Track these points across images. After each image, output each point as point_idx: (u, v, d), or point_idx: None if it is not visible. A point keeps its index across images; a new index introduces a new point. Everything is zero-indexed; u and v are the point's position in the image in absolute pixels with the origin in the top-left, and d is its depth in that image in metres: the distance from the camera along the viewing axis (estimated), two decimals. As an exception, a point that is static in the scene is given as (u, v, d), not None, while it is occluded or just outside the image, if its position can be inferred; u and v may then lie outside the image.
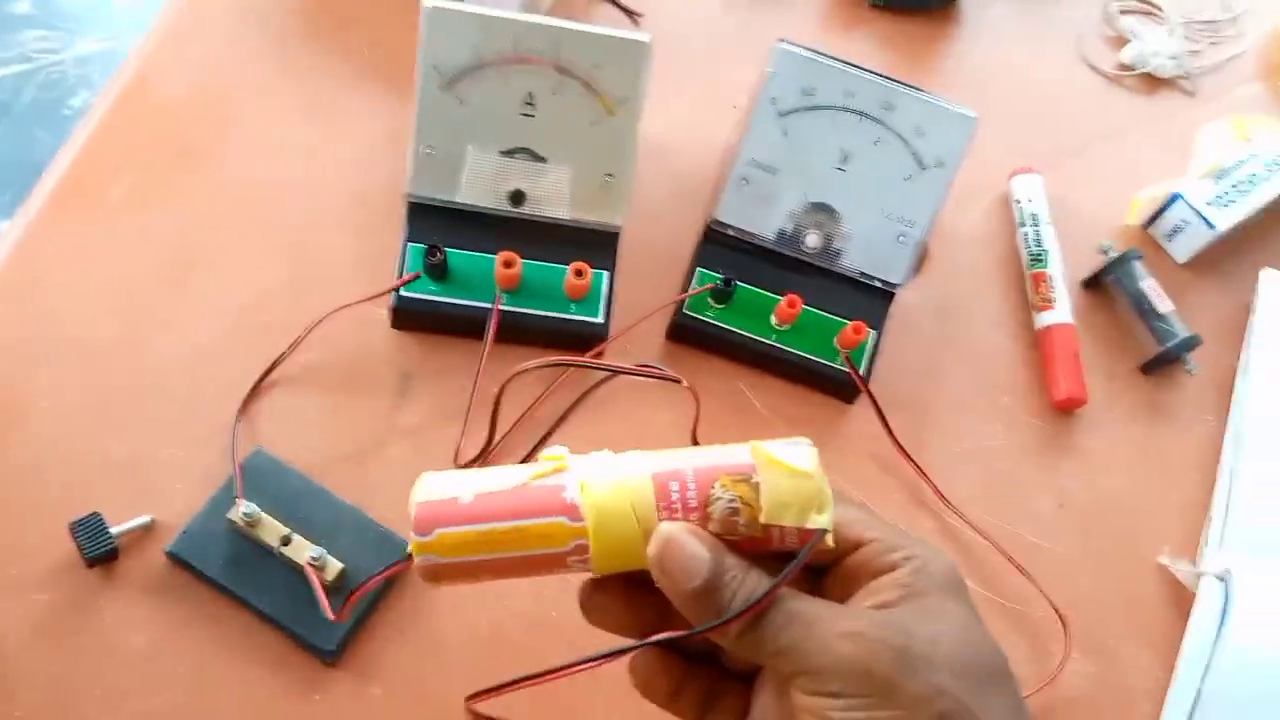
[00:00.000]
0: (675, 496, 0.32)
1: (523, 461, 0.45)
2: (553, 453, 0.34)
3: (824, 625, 0.31)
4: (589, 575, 0.34)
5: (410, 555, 0.33)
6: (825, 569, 0.35)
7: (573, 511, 0.32)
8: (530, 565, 0.32)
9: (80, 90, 1.73)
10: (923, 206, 0.56)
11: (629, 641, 0.34)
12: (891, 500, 0.56)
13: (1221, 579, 0.54)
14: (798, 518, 0.31)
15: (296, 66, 0.63)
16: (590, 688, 0.47)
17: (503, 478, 0.33)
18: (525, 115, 0.54)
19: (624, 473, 0.33)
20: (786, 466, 0.32)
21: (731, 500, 0.32)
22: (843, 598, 0.33)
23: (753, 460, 0.32)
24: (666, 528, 0.32)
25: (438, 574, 0.33)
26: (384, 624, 0.49)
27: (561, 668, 0.33)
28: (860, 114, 0.55)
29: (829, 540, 0.32)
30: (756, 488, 0.32)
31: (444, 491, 0.33)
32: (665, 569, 0.32)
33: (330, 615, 0.43)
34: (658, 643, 0.33)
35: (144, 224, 0.56)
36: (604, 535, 0.32)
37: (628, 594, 0.34)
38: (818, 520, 0.31)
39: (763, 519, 0.31)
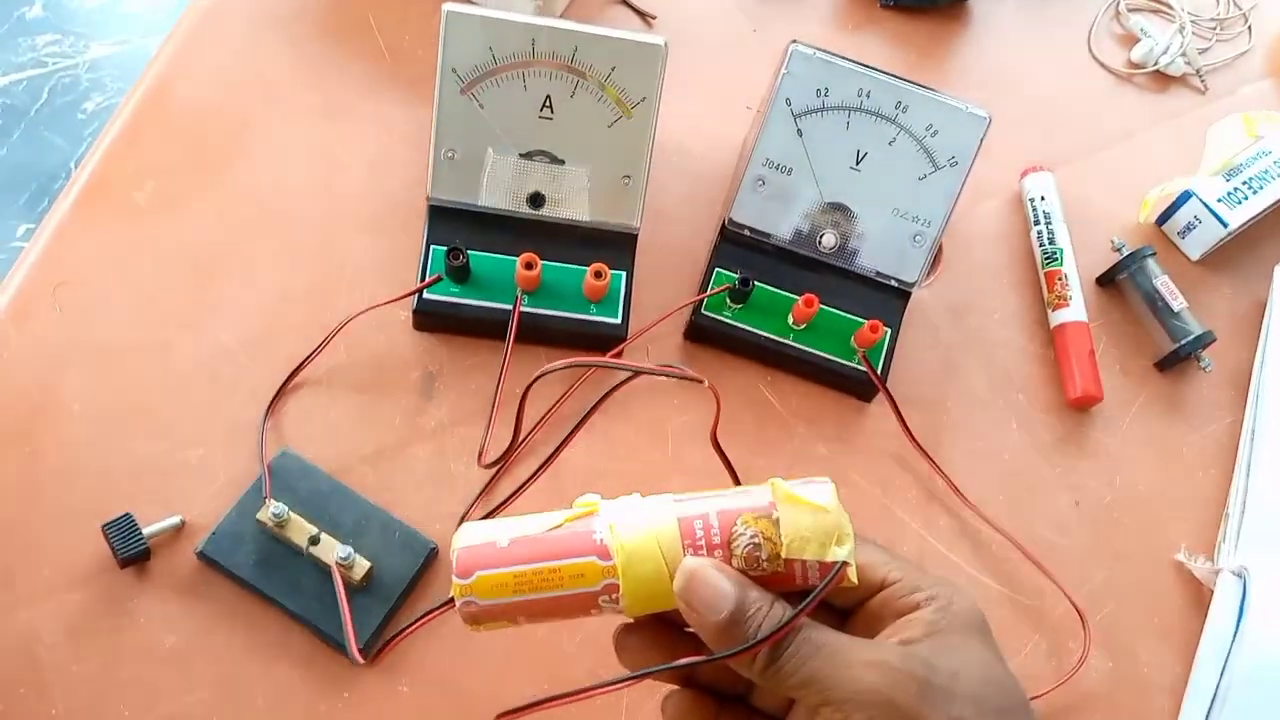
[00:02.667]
0: (700, 535, 0.33)
1: (543, 466, 0.46)
2: (586, 499, 0.35)
3: (848, 656, 0.32)
4: (622, 618, 0.35)
5: (452, 599, 0.34)
6: (851, 610, 0.36)
7: (603, 552, 0.33)
8: (565, 606, 0.34)
9: (94, 94, 1.74)
10: (937, 206, 0.56)
11: (658, 664, 0.35)
12: (908, 497, 0.56)
13: (1239, 575, 0.54)
14: (818, 551, 0.33)
15: (316, 70, 0.64)
16: (616, 709, 0.48)
17: (537, 523, 0.35)
18: (543, 118, 0.55)
19: (650, 514, 0.34)
20: (806, 502, 0.33)
21: (753, 536, 0.33)
22: (869, 636, 0.34)
23: (773, 498, 0.34)
24: (691, 562, 0.33)
25: (478, 617, 0.34)
26: (408, 622, 0.49)
27: (590, 688, 0.34)
28: (874, 114, 0.55)
29: (852, 575, 0.33)
30: (777, 523, 0.33)
31: (482, 537, 0.35)
32: (691, 602, 0.33)
33: (355, 649, 0.45)
34: (684, 666, 0.34)
35: (169, 228, 0.57)
36: (633, 574, 0.33)
37: (660, 636, 0.35)
38: (838, 553, 0.33)
39: (784, 553, 0.33)
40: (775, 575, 0.33)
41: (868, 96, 0.55)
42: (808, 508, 0.33)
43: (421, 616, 0.45)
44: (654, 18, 0.70)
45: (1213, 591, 0.55)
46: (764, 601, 0.33)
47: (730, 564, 0.33)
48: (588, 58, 0.53)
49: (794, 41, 0.56)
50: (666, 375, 0.42)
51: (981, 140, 0.55)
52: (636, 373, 0.42)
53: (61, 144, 1.68)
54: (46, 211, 0.58)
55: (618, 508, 0.35)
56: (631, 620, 0.35)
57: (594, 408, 0.43)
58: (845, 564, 0.33)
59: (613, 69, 0.54)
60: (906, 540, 0.55)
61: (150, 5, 1.84)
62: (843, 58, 0.56)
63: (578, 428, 0.44)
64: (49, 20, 1.80)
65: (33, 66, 1.75)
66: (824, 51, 0.56)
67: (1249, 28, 0.79)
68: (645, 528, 0.34)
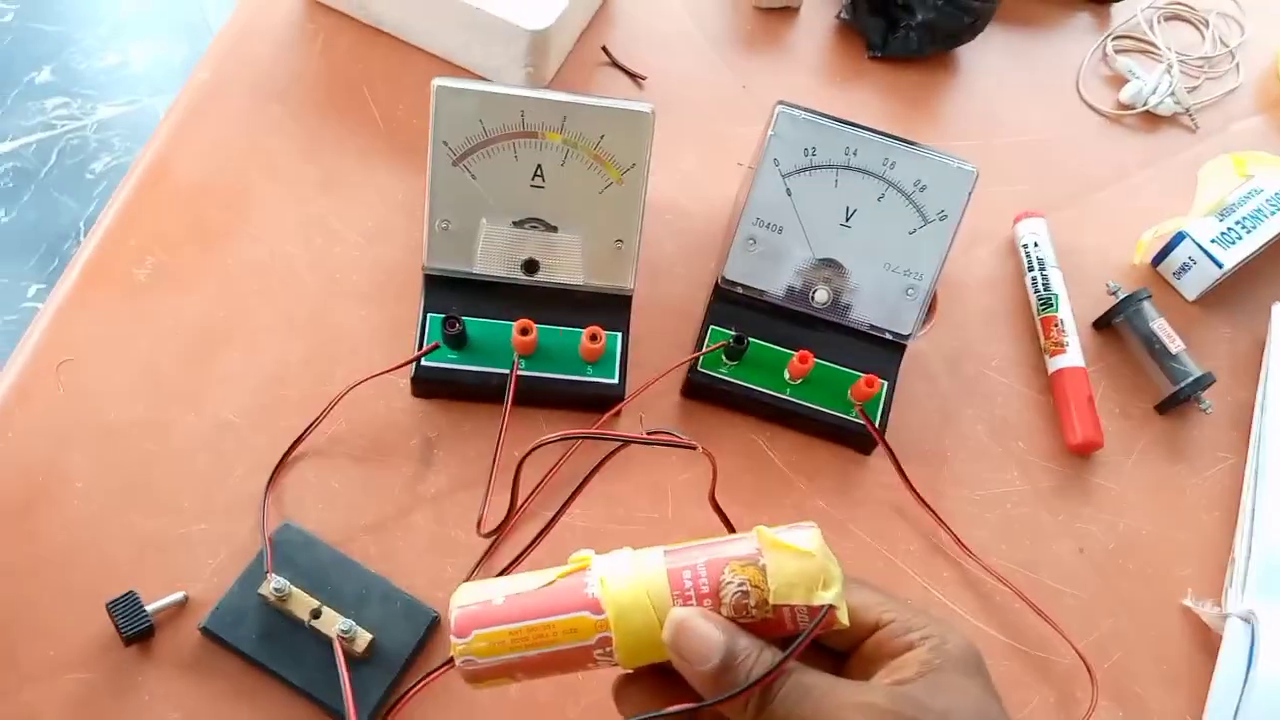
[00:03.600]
0: (689, 585, 0.34)
1: (541, 534, 0.46)
2: (578, 555, 0.36)
3: (837, 698, 0.32)
4: (619, 670, 0.35)
5: (452, 659, 0.35)
6: (848, 652, 0.36)
7: (594, 605, 0.34)
8: (561, 661, 0.34)
9: (102, 154, 1.77)
10: (929, 259, 0.57)
11: (653, 711, 0.35)
12: (911, 550, 0.56)
13: (1247, 620, 0.54)
14: (805, 596, 0.33)
15: (312, 142, 0.65)
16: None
17: (532, 580, 0.35)
18: (535, 187, 0.55)
19: (640, 566, 0.35)
20: (790, 548, 0.34)
21: (741, 584, 0.33)
22: (865, 678, 0.34)
23: (759, 545, 0.34)
24: (679, 613, 0.33)
25: (479, 675, 0.35)
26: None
27: None
28: (862, 171, 0.56)
29: (842, 618, 0.33)
30: (764, 570, 0.34)
31: (479, 596, 0.35)
32: (681, 652, 0.33)
33: (352, 711, 0.45)
34: (676, 713, 0.34)
35: (169, 304, 0.58)
36: (624, 626, 0.34)
37: (659, 686, 0.35)
38: (824, 597, 0.33)
39: (771, 600, 0.33)
40: (765, 622, 0.34)
41: (855, 154, 0.56)
42: (793, 553, 0.34)
43: (420, 680, 0.45)
44: (644, 78, 0.71)
45: (1221, 637, 0.55)
46: (754, 648, 0.33)
47: (720, 612, 0.34)
48: (576, 127, 0.54)
49: (780, 103, 0.57)
50: (659, 444, 0.42)
51: (970, 194, 0.56)
52: (628, 443, 0.42)
53: (71, 205, 1.71)
54: (58, 272, 0.59)
55: (608, 562, 0.35)
56: (630, 671, 0.36)
57: (587, 478, 0.44)
58: (832, 607, 0.33)
59: (602, 137, 0.54)
60: (910, 593, 0.55)
61: (157, 66, 1.88)
62: (829, 117, 0.56)
63: (573, 496, 0.45)
64: (57, 84, 1.83)
65: (42, 130, 1.78)
66: (810, 111, 0.56)
67: (1236, 65, 0.79)
68: (635, 580, 0.34)
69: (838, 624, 0.34)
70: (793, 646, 0.33)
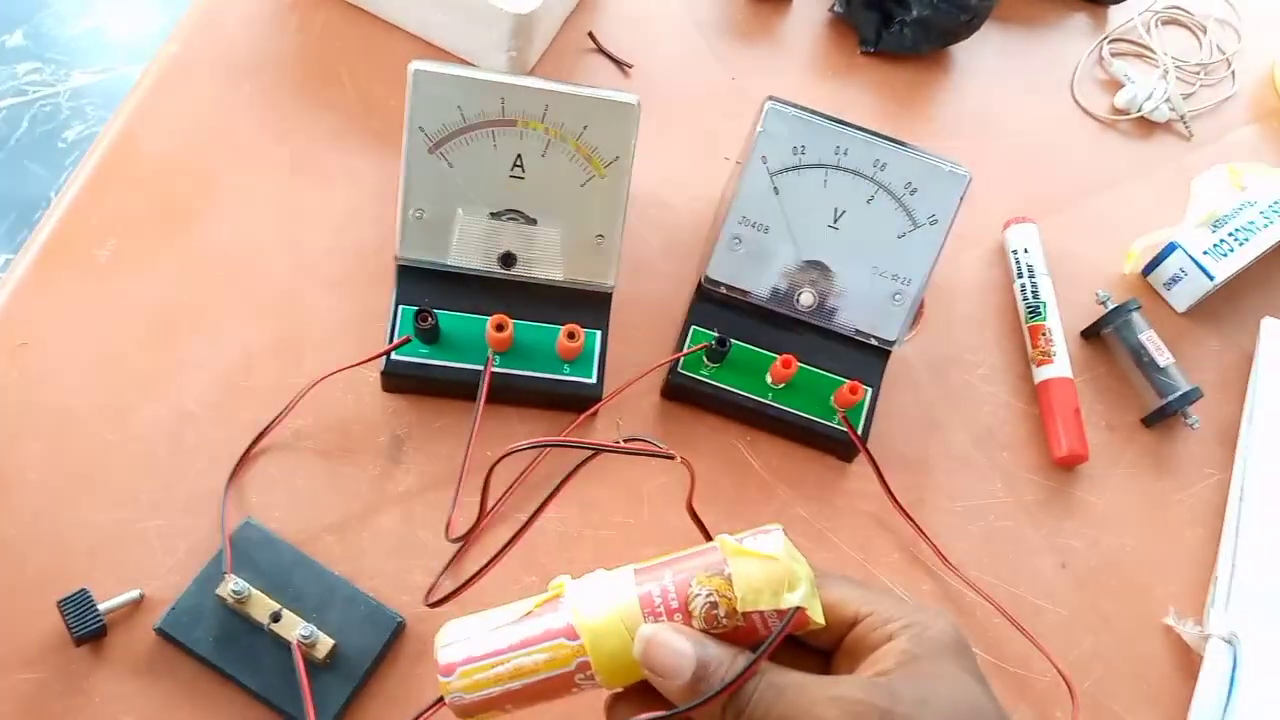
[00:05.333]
0: (659, 602, 0.34)
1: (511, 541, 0.44)
2: (555, 582, 0.36)
3: (810, 694, 0.32)
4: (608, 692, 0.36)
5: (441, 698, 0.36)
6: (832, 649, 0.36)
7: (570, 632, 0.34)
8: (547, 690, 0.35)
9: (74, 123, 1.73)
10: (917, 264, 0.55)
11: None
12: (890, 560, 0.55)
13: (1229, 641, 0.53)
14: (772, 601, 0.33)
15: (284, 122, 0.62)
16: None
17: (510, 612, 0.36)
18: (515, 177, 0.54)
19: (611, 588, 0.35)
20: (753, 554, 0.34)
21: (709, 595, 0.34)
22: (849, 672, 0.34)
23: (723, 554, 0.34)
24: (647, 629, 0.34)
25: (469, 710, 0.36)
26: (377, 698, 0.48)
27: None
28: (852, 172, 0.54)
29: (816, 617, 0.34)
30: (730, 579, 0.34)
31: (461, 634, 0.36)
32: (653, 667, 0.33)
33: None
34: None
35: (131, 287, 0.56)
36: (600, 649, 0.34)
37: (646, 701, 0.35)
38: (790, 599, 0.33)
39: (740, 607, 0.33)
40: (738, 630, 0.34)
41: (845, 154, 0.54)
42: (756, 559, 0.34)
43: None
44: (631, 66, 0.69)
45: (1202, 657, 0.54)
46: (725, 656, 0.33)
47: (692, 625, 0.34)
48: (559, 117, 0.52)
49: (770, 98, 0.55)
50: (635, 453, 0.41)
51: (962, 198, 0.54)
52: (600, 451, 0.41)
53: (42, 173, 1.67)
54: (26, 241, 0.57)
55: (581, 588, 0.36)
56: (620, 690, 0.36)
57: (560, 485, 0.42)
58: (800, 608, 0.33)
59: (584, 128, 0.53)
60: (888, 606, 0.54)
61: (132, 33, 1.83)
62: (820, 114, 0.55)
63: (545, 504, 0.43)
64: (30, 49, 1.78)
65: (13, 95, 1.74)
66: (800, 108, 0.55)
67: (1232, 73, 0.78)
68: (607, 603, 0.35)
69: (810, 624, 0.34)
70: (760, 651, 0.33)
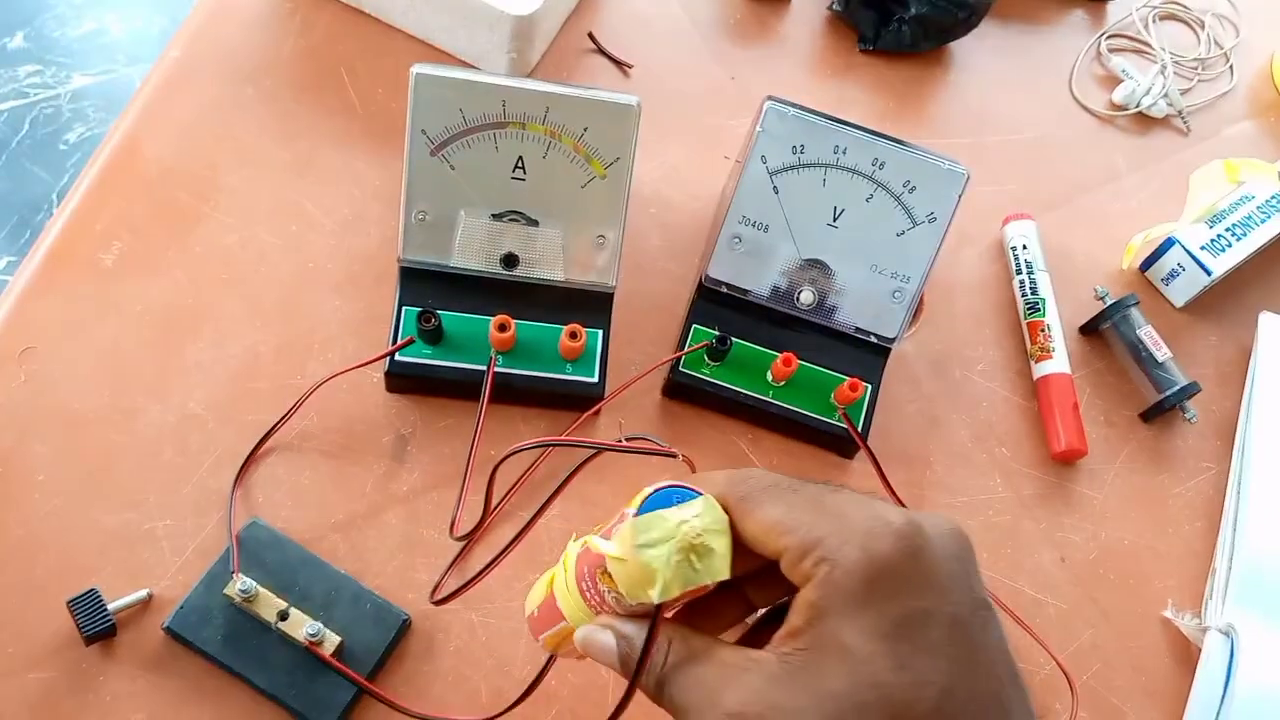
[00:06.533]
0: (590, 595, 0.35)
1: (514, 541, 0.45)
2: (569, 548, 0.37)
3: (717, 696, 0.31)
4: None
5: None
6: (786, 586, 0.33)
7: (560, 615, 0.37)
8: None
9: (76, 124, 1.73)
10: (917, 261, 0.56)
11: None
12: (891, 556, 0.55)
13: (1226, 634, 0.53)
14: (641, 594, 0.32)
15: (287, 125, 0.63)
16: None
17: (545, 585, 0.38)
18: (516, 179, 0.54)
19: (568, 575, 0.36)
20: (610, 557, 0.33)
21: (609, 591, 0.34)
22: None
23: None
24: (579, 634, 0.35)
25: (572, 655, 0.38)
26: (385, 694, 0.48)
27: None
28: (851, 171, 0.55)
29: (719, 573, 0.32)
30: (612, 575, 0.34)
31: (530, 605, 0.39)
32: (597, 660, 0.35)
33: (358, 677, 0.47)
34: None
35: (136, 291, 0.56)
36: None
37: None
38: (650, 595, 0.32)
39: (629, 600, 0.33)
40: (679, 598, 0.33)
41: (844, 153, 0.55)
42: (613, 560, 0.33)
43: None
44: (631, 66, 0.69)
45: (1200, 649, 0.54)
46: (639, 636, 0.33)
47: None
48: (559, 118, 0.53)
49: (769, 98, 0.55)
50: (637, 452, 0.41)
51: (960, 196, 0.55)
52: (603, 450, 0.41)
53: (43, 175, 1.67)
54: (29, 244, 0.57)
55: (558, 578, 0.37)
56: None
57: (564, 483, 0.42)
58: (658, 607, 0.32)
59: (585, 129, 0.53)
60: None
61: (133, 34, 1.84)
62: (819, 114, 0.55)
63: (548, 502, 0.43)
64: (30, 51, 1.79)
65: (14, 98, 1.74)
66: (799, 108, 0.55)
67: (1230, 67, 0.78)
68: (564, 594, 0.36)
69: (713, 582, 0.32)
70: (629, 689, 0.33)
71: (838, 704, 0.29)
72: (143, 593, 0.49)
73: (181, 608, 0.48)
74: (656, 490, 0.34)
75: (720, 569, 0.32)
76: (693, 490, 0.34)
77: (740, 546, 0.33)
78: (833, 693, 0.29)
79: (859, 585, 0.29)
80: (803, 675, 0.29)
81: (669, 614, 0.35)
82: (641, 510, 0.33)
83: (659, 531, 0.32)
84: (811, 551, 0.30)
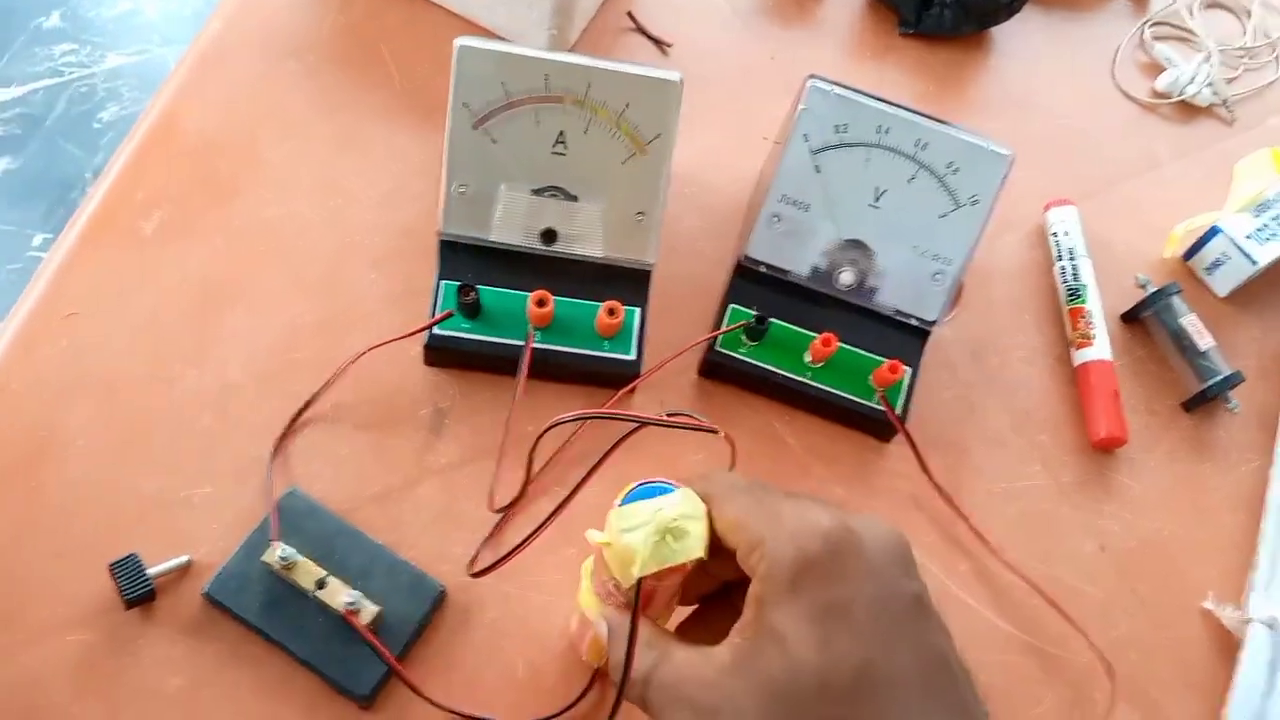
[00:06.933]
0: (599, 587, 0.40)
1: (552, 516, 0.45)
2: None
3: (679, 690, 0.35)
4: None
5: None
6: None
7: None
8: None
9: (110, 104, 1.75)
10: (958, 244, 0.55)
11: None
12: (927, 541, 0.55)
13: (1270, 626, 0.53)
14: (626, 574, 0.36)
15: (328, 99, 0.63)
16: None
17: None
18: (557, 154, 0.54)
19: (588, 581, 0.42)
20: (600, 544, 0.37)
21: (609, 580, 0.38)
22: None
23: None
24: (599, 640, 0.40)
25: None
26: (419, 666, 0.48)
27: None
28: (894, 151, 0.54)
29: (693, 554, 0.36)
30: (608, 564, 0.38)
31: (571, 625, 0.47)
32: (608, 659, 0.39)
33: (389, 655, 0.47)
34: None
35: (176, 259, 0.57)
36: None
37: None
38: (630, 576, 0.36)
39: (624, 585, 0.37)
40: (655, 590, 0.38)
41: (887, 133, 0.54)
42: (603, 546, 0.37)
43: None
44: (670, 45, 0.69)
45: (1241, 641, 0.54)
46: (624, 625, 0.37)
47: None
48: (601, 94, 0.52)
49: (812, 76, 0.55)
50: (679, 427, 0.41)
51: (1004, 179, 0.54)
52: (646, 424, 0.41)
53: (78, 153, 1.69)
54: (64, 221, 0.58)
55: (585, 580, 0.42)
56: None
57: (602, 459, 0.42)
58: (638, 581, 0.36)
59: (626, 105, 0.53)
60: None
61: (167, 15, 1.85)
62: (862, 93, 0.55)
63: (588, 476, 0.43)
64: (66, 30, 1.81)
65: (49, 76, 1.76)
66: (842, 86, 0.55)
67: (1277, 57, 0.77)
68: (587, 592, 0.42)
69: (688, 567, 0.36)
70: (624, 676, 0.36)
71: (774, 684, 0.32)
72: (183, 558, 0.49)
73: (220, 574, 0.48)
74: (639, 485, 0.38)
75: (695, 549, 0.36)
76: (671, 485, 0.38)
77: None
78: (770, 674, 0.33)
79: (790, 577, 0.33)
80: (747, 662, 0.33)
81: (672, 598, 0.40)
82: (625, 502, 0.38)
83: (639, 518, 0.36)
84: (756, 548, 0.34)
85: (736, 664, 0.33)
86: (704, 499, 0.37)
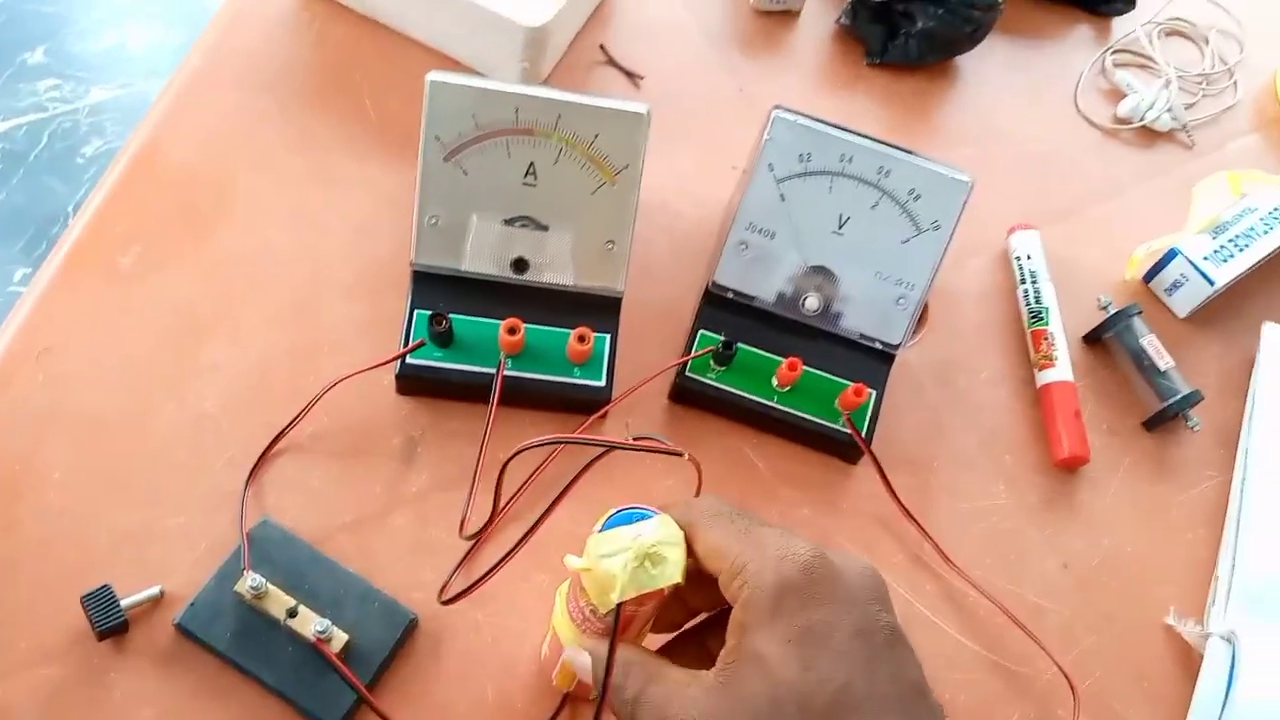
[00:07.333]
0: (575, 613, 0.40)
1: (521, 541, 0.46)
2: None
3: (666, 711, 0.35)
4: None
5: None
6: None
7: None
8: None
9: (93, 139, 1.75)
10: (921, 269, 0.56)
11: None
12: (894, 561, 0.56)
13: (1228, 640, 0.54)
14: (605, 600, 0.37)
15: (303, 132, 0.64)
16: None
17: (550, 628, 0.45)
18: (527, 185, 0.55)
19: (561, 606, 0.42)
20: (579, 569, 0.38)
21: (586, 605, 0.38)
22: None
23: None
24: (566, 654, 0.41)
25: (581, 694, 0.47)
26: (390, 694, 0.49)
27: None
28: (856, 179, 0.56)
29: (672, 580, 0.37)
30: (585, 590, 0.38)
31: (542, 650, 0.48)
32: (583, 681, 0.40)
33: (358, 683, 0.47)
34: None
35: (153, 293, 0.57)
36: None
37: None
38: (608, 602, 0.37)
39: (602, 611, 0.38)
40: (633, 615, 0.38)
41: (850, 161, 0.55)
42: (581, 572, 0.38)
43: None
44: (641, 78, 0.70)
45: (1203, 656, 0.54)
46: (624, 663, 0.38)
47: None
48: (571, 126, 0.54)
49: (776, 107, 0.56)
50: (644, 450, 0.42)
51: (964, 204, 0.56)
52: (612, 448, 0.42)
53: (61, 189, 1.70)
54: (45, 256, 0.58)
55: (558, 606, 0.43)
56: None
57: (570, 484, 0.43)
58: (618, 606, 0.36)
59: (596, 136, 0.54)
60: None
61: (152, 49, 1.87)
62: (825, 122, 0.56)
63: (555, 503, 0.44)
64: (50, 65, 1.82)
65: (33, 111, 1.77)
66: (806, 116, 0.56)
67: (1235, 83, 0.79)
68: (560, 616, 0.42)
69: (665, 592, 0.37)
70: (603, 692, 0.38)
71: (756, 705, 0.33)
72: (155, 589, 0.49)
73: (192, 604, 0.49)
74: (618, 511, 0.39)
75: (673, 574, 0.37)
76: (650, 511, 0.39)
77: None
78: (753, 696, 0.33)
79: (771, 601, 0.34)
80: (732, 684, 0.34)
81: (646, 624, 0.41)
82: (604, 528, 0.38)
83: (618, 544, 0.37)
84: (738, 575, 0.35)
85: (721, 686, 0.34)
86: (686, 525, 0.38)
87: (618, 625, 0.37)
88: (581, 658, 0.40)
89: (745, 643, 0.34)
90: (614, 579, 0.36)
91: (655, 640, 0.43)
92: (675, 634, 0.42)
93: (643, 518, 0.38)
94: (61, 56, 1.84)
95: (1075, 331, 0.64)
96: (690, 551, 0.38)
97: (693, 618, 0.42)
